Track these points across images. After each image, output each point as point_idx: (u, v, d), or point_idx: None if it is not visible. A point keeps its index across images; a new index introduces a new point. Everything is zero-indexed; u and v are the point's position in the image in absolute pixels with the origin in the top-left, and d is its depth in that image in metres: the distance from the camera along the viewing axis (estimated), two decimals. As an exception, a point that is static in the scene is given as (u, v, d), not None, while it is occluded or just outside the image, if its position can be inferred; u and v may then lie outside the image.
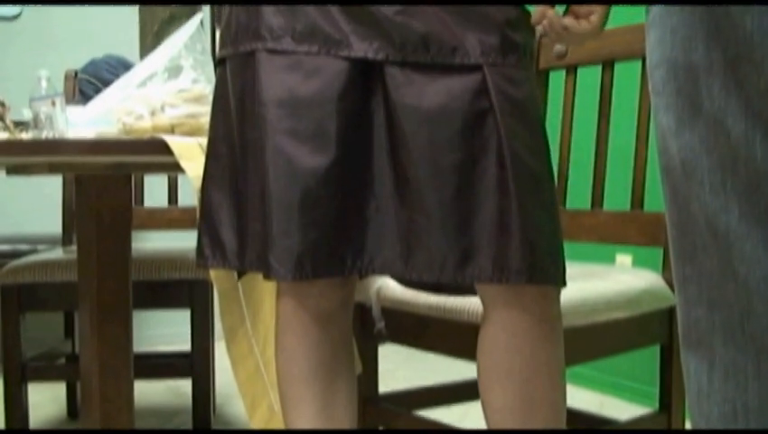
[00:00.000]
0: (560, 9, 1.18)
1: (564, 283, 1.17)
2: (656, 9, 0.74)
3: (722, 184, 0.69)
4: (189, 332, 2.18)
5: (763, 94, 0.65)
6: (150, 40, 3.51)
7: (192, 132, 1.43)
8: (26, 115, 1.70)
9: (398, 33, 1.12)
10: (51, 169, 1.61)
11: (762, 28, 0.64)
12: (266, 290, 1.49)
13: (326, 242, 1.14)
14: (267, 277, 1.15)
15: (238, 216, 1.21)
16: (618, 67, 1.85)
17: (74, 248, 2.27)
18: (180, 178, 2.46)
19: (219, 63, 1.26)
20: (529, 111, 1.15)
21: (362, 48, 1.13)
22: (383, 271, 1.18)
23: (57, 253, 2.27)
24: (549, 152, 1.19)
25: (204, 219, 1.24)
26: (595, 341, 1.52)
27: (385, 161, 1.15)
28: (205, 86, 1.46)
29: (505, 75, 1.13)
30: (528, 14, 1.20)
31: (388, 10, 1.12)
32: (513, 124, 1.11)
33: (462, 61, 1.12)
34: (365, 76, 1.14)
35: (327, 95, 1.13)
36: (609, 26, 1.95)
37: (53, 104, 1.38)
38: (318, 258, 1.13)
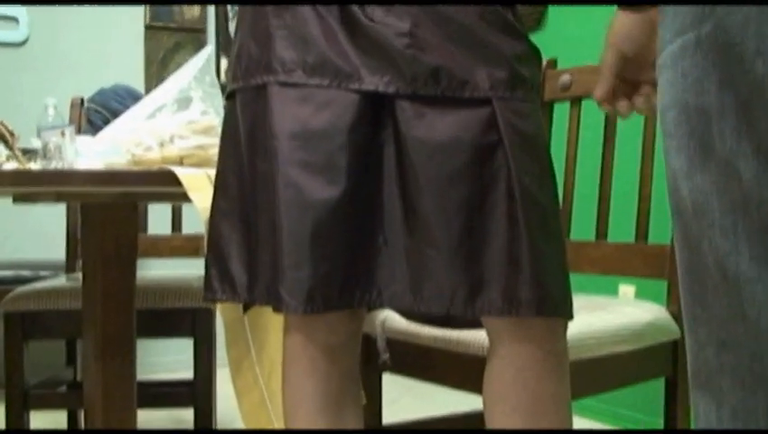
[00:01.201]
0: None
1: (571, 316, 1.17)
2: (668, 51, 0.75)
3: (733, 227, 0.69)
4: (190, 358, 2.18)
5: None
6: (155, 68, 3.54)
7: (201, 163, 1.44)
8: (34, 143, 1.71)
9: (409, 67, 1.12)
10: (59, 198, 1.61)
11: None
12: (271, 322, 1.49)
13: (337, 275, 1.14)
14: (278, 310, 1.15)
15: (247, 249, 1.21)
16: (622, 99, 1.86)
17: (78, 275, 2.27)
18: (184, 206, 2.47)
19: (228, 96, 1.26)
20: (537, 144, 1.16)
21: (373, 81, 1.13)
22: (392, 304, 1.18)
23: (61, 281, 2.27)
24: (556, 185, 1.20)
25: (212, 251, 1.24)
26: (601, 374, 1.52)
27: (394, 193, 1.15)
28: (214, 117, 1.47)
29: (514, 109, 1.13)
30: (536, 49, 1.21)
31: (398, 43, 1.13)
32: (522, 157, 1.12)
33: (471, 94, 1.12)
34: (375, 108, 1.15)
35: (338, 127, 1.13)
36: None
37: (63, 134, 1.39)
38: (329, 290, 1.13)
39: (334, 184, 1.13)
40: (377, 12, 1.14)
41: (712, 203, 0.71)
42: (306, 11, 1.16)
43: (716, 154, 0.69)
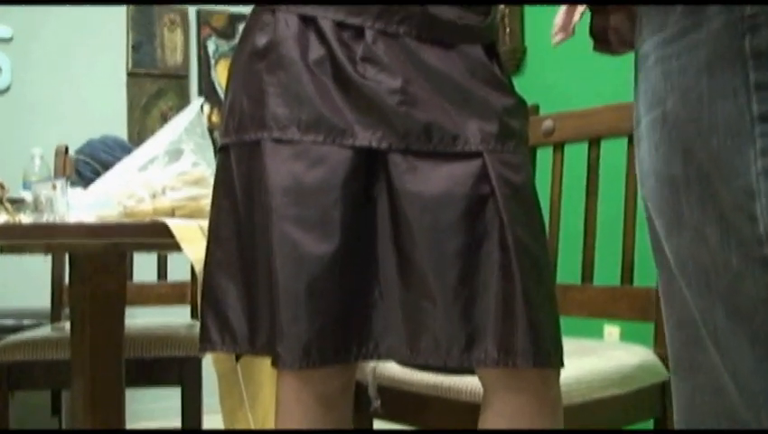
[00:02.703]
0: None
1: (563, 364, 1.18)
2: (644, 123, 0.81)
3: (707, 287, 0.75)
4: (178, 405, 2.17)
5: (732, 207, 0.70)
6: (138, 114, 3.55)
7: (193, 214, 1.45)
8: (23, 193, 1.71)
9: (401, 123, 1.14)
10: (48, 250, 1.62)
11: (726, 147, 0.70)
12: (265, 372, 1.49)
13: (333, 330, 1.14)
14: (275, 365, 1.15)
15: (248, 300, 1.21)
16: (604, 144, 1.89)
17: (63, 325, 2.26)
18: (169, 253, 2.46)
19: (221, 149, 1.27)
20: (527, 195, 1.18)
21: (366, 137, 1.15)
22: (388, 356, 1.18)
23: (46, 330, 2.25)
24: (546, 234, 1.22)
25: (210, 303, 1.24)
26: (593, 418, 1.52)
27: (389, 247, 1.17)
28: (205, 169, 1.49)
29: (504, 161, 1.16)
30: (523, 102, 1.24)
31: (391, 100, 1.15)
32: (514, 208, 1.14)
33: (463, 148, 1.15)
34: (368, 163, 1.16)
35: (331, 183, 1.15)
36: (595, 105, 2.01)
37: (54, 187, 1.39)
38: (325, 345, 1.14)
39: (329, 239, 1.14)
40: (369, 69, 1.16)
41: (688, 265, 0.77)
42: (300, 69, 1.18)
43: (685, 221, 0.76)
